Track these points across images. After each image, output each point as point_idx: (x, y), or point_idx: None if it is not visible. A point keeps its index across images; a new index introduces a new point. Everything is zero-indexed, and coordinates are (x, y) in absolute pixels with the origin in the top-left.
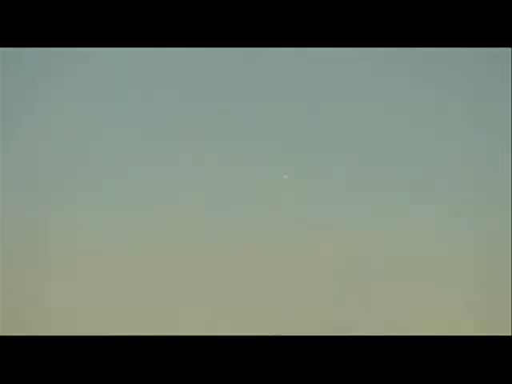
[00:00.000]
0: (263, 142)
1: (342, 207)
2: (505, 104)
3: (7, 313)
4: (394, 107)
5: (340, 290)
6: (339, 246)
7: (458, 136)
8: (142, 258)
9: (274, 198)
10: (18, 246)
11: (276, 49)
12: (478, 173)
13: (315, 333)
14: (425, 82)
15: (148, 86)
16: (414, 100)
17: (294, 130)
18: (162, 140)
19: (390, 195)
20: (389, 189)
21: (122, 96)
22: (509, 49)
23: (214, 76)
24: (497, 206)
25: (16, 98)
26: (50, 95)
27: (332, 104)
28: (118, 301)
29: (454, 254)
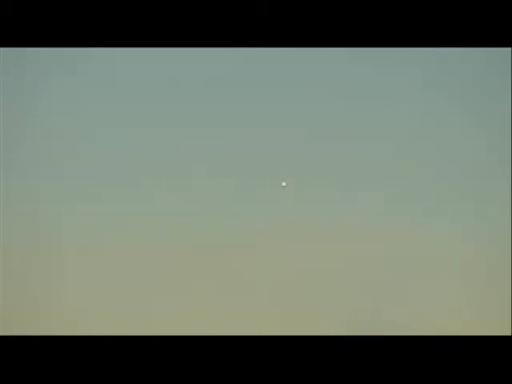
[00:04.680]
0: (263, 141)
1: (342, 207)
2: (505, 104)
3: (7, 313)
4: (394, 107)
5: (339, 290)
6: (339, 246)
7: (457, 136)
8: (143, 259)
9: (277, 198)
10: (18, 247)
11: (276, 49)
12: (478, 172)
13: (314, 333)
14: (425, 83)
15: (148, 85)
16: (414, 100)
17: (294, 130)
18: (163, 140)
19: (389, 195)
20: (389, 188)
21: (123, 96)
22: (509, 49)
23: (214, 76)
24: (497, 207)
25: (22, 98)
26: (55, 94)
27: (331, 104)
28: (118, 301)
29: (454, 254)
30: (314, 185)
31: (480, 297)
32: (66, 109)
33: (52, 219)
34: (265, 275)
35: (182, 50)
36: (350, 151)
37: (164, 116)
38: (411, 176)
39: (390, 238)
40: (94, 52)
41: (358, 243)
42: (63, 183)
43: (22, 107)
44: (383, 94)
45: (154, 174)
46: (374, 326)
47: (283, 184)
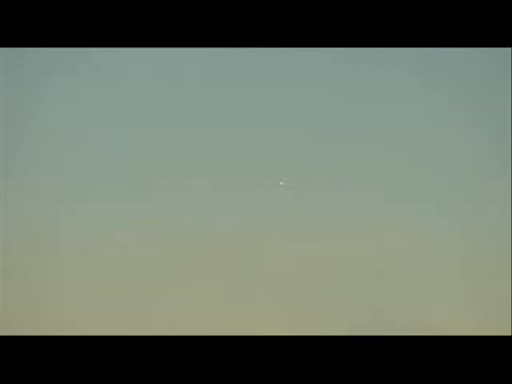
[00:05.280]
0: (263, 141)
1: (341, 207)
2: (505, 104)
3: (7, 313)
4: (394, 107)
5: (338, 290)
6: (338, 246)
7: (457, 136)
8: (143, 259)
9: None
10: (18, 247)
11: (276, 49)
12: (478, 172)
13: (314, 333)
14: (425, 82)
15: (148, 85)
16: (414, 100)
17: (294, 130)
18: (163, 140)
19: (389, 195)
20: (388, 188)
21: (123, 96)
22: (509, 49)
23: (214, 76)
24: (497, 207)
25: (22, 98)
26: (55, 94)
27: (331, 104)
28: (118, 301)
29: (454, 254)
30: (313, 185)
31: (480, 297)
32: (66, 109)
33: (52, 219)
34: (265, 275)
35: (182, 50)
36: (350, 151)
37: (164, 116)
38: (411, 176)
39: (390, 238)
40: (94, 52)
41: (357, 243)
42: (63, 183)
43: (22, 107)
44: (383, 93)
45: (154, 174)
46: (373, 326)
47: (281, 183)
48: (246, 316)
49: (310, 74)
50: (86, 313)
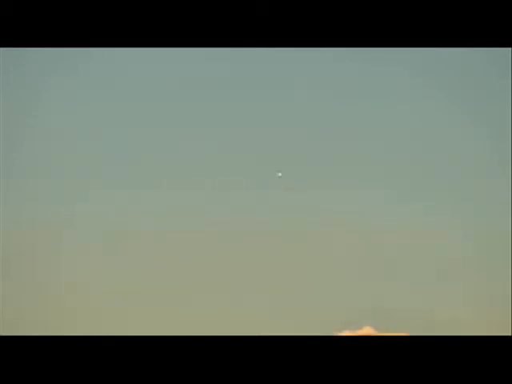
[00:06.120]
0: (263, 141)
1: (341, 207)
2: (505, 104)
3: (7, 313)
4: (394, 107)
5: (338, 289)
6: (338, 246)
7: (457, 136)
8: (143, 259)
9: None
10: (18, 247)
11: (275, 49)
12: (478, 172)
13: (314, 333)
14: (425, 82)
15: (148, 85)
16: (414, 100)
17: (294, 130)
18: (163, 140)
19: (389, 195)
20: (389, 188)
21: (123, 96)
22: (509, 49)
23: (214, 76)
24: (497, 207)
25: (22, 98)
26: (55, 94)
27: (331, 104)
28: (118, 301)
29: (454, 254)
30: (313, 185)
31: (480, 297)
32: (66, 109)
33: (52, 219)
34: (265, 275)
35: (181, 50)
36: (350, 151)
37: (164, 116)
38: (411, 176)
39: (390, 238)
40: (94, 52)
41: (357, 243)
42: (63, 183)
43: (22, 107)
44: (383, 94)
45: (154, 174)
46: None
47: (279, 174)
48: (246, 315)
49: (311, 73)
50: (85, 313)
